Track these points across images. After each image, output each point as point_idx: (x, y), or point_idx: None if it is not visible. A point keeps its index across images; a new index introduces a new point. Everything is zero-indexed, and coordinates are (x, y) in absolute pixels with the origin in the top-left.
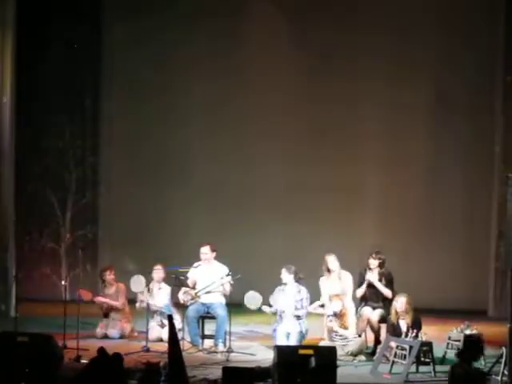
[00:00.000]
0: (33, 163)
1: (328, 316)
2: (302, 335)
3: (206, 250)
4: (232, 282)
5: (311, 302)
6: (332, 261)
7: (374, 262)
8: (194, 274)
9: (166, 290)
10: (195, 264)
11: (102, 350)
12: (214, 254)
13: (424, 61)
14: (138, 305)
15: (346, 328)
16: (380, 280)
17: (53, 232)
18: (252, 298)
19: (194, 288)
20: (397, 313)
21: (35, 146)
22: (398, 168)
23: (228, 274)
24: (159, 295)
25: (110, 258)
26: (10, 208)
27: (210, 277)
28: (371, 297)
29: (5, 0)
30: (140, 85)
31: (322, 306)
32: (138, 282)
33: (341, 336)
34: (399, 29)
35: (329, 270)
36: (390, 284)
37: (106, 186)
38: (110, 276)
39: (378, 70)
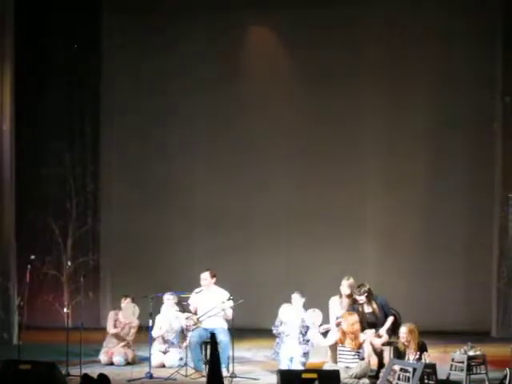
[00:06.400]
0: (33, 191)
1: (337, 318)
2: (306, 357)
3: (205, 276)
4: (233, 306)
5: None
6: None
7: (361, 298)
8: (195, 299)
9: (182, 317)
10: (197, 290)
11: (85, 376)
12: (214, 279)
13: (424, 79)
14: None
15: (359, 347)
16: (373, 311)
17: (54, 259)
18: None
19: (195, 314)
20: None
21: (36, 173)
22: (398, 192)
23: (229, 299)
24: (176, 323)
25: (112, 284)
26: (11, 236)
27: (210, 302)
28: (371, 325)
29: (3, 31)
30: (139, 111)
31: (326, 333)
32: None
33: (349, 353)
34: (398, 55)
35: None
36: (386, 309)
37: (106, 212)
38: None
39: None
